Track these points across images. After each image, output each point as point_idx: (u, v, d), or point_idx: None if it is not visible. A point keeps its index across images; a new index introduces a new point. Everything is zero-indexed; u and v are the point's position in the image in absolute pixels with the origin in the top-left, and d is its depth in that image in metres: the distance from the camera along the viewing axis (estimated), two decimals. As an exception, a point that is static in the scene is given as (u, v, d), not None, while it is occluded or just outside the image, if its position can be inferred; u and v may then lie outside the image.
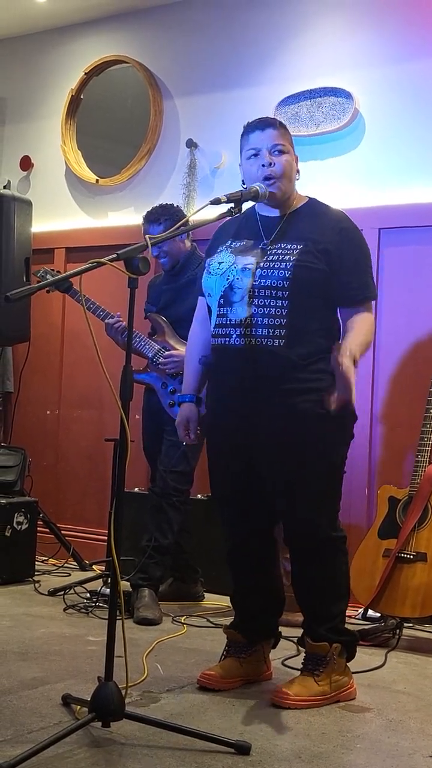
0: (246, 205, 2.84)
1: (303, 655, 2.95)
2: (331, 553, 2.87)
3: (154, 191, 4.96)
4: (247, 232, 2.90)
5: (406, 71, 4.28)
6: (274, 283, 2.74)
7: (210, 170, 4.80)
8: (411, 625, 3.73)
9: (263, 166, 2.84)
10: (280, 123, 2.93)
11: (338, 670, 2.88)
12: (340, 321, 2.88)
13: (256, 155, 2.86)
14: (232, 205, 2.76)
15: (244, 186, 2.87)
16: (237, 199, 2.77)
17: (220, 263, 2.86)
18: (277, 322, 2.74)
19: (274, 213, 2.89)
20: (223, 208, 2.76)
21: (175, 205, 4.09)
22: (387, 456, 4.19)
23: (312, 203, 2.93)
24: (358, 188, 4.35)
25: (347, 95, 4.36)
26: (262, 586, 3.00)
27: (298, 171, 2.92)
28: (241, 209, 2.79)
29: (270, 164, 2.83)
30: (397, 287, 4.20)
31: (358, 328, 2.80)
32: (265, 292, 2.75)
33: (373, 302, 2.89)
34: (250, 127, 2.90)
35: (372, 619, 3.75)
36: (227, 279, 2.81)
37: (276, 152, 2.85)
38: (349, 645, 2.92)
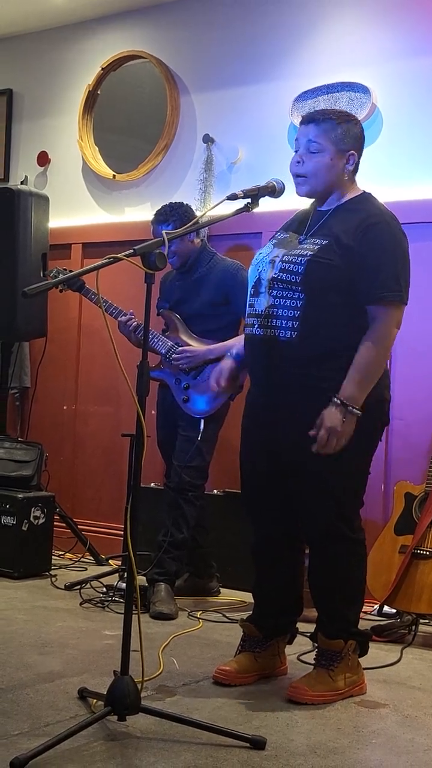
0: (264, 201, 2.85)
1: (316, 649, 2.95)
2: (348, 555, 2.86)
3: (170, 187, 4.96)
4: (297, 224, 2.93)
5: (424, 66, 4.26)
6: (289, 276, 2.76)
7: (227, 166, 4.79)
8: (427, 621, 3.72)
9: (297, 162, 2.85)
10: (325, 119, 2.82)
11: (352, 666, 2.88)
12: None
13: (296, 150, 2.88)
14: (249, 200, 2.77)
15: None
16: (254, 195, 2.78)
17: (260, 254, 2.91)
18: (292, 314, 2.75)
19: (324, 207, 2.88)
20: (240, 203, 2.76)
21: (183, 204, 4.08)
22: (403, 452, 4.18)
23: (360, 198, 2.88)
24: (375, 183, 4.29)
25: (365, 90, 4.34)
26: (284, 583, 3.00)
27: (348, 165, 2.84)
28: (258, 205, 2.80)
29: (300, 162, 2.84)
30: (415, 283, 4.15)
31: (357, 360, 2.70)
32: (282, 285, 2.77)
33: (396, 305, 2.76)
34: (301, 119, 2.91)
35: (388, 615, 3.75)
36: (258, 270, 2.86)
37: (308, 151, 2.82)
38: (362, 642, 2.93)
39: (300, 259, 2.76)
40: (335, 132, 2.82)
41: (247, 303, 2.90)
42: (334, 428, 2.67)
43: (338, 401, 2.68)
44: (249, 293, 2.89)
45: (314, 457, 2.76)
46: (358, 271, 2.74)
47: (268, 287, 2.78)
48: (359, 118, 4.28)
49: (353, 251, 2.75)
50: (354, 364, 2.71)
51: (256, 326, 2.81)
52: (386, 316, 2.75)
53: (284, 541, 2.98)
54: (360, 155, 2.89)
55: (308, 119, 2.86)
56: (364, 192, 2.91)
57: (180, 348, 3.95)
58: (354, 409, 2.68)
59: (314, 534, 2.88)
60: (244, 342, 2.93)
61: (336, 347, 2.75)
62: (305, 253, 2.76)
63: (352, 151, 2.85)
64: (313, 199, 2.93)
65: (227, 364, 3.07)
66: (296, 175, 2.84)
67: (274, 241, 2.92)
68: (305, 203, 3.01)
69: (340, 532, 2.83)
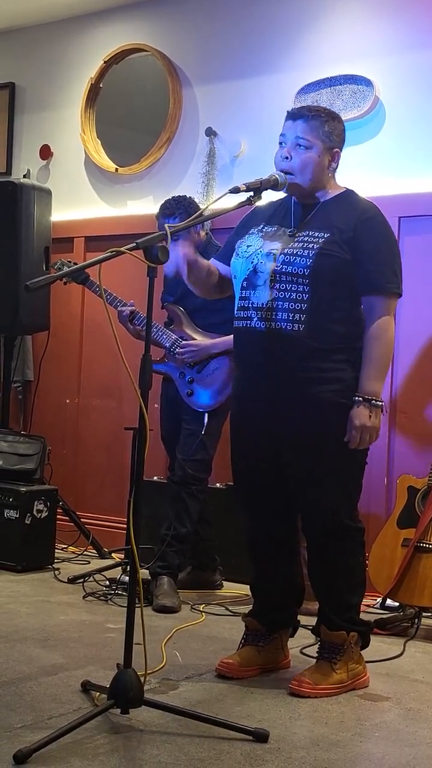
0: (266, 194, 2.84)
1: (318, 643, 2.95)
2: (348, 544, 2.86)
3: (173, 180, 4.95)
4: (280, 218, 2.91)
5: (427, 58, 4.24)
6: (295, 269, 2.75)
7: (229, 159, 4.78)
8: (430, 614, 3.72)
9: (283, 158, 2.85)
10: (314, 116, 2.85)
11: (354, 658, 2.89)
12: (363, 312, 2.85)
13: (282, 144, 2.87)
14: (252, 193, 2.76)
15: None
16: (256, 188, 2.77)
17: (248, 246, 2.88)
18: (298, 307, 2.74)
19: (309, 201, 2.88)
20: (242, 196, 2.76)
21: (188, 197, 4.07)
22: (406, 445, 4.18)
23: (346, 194, 2.91)
24: (378, 176, 4.33)
25: (368, 83, 4.33)
26: (282, 574, 3.00)
27: (332, 163, 2.87)
28: (260, 198, 2.79)
29: (287, 158, 2.84)
30: (417, 276, 4.16)
31: (369, 355, 2.77)
32: (287, 278, 2.76)
33: (394, 296, 2.82)
34: (287, 114, 2.89)
35: (390, 609, 3.75)
36: (252, 262, 2.83)
37: (297, 146, 2.83)
38: (364, 634, 2.93)
39: (307, 252, 2.75)
40: (323, 129, 2.84)
41: (238, 296, 2.88)
42: (364, 425, 2.75)
43: (361, 398, 2.76)
44: (240, 286, 2.86)
45: (319, 452, 2.77)
46: (358, 262, 2.78)
47: (271, 280, 2.77)
48: (362, 111, 4.34)
49: (353, 243, 2.77)
50: (366, 360, 2.78)
51: (255, 319, 2.80)
52: (386, 306, 2.81)
53: (285, 538, 2.99)
54: (341, 153, 2.92)
55: (297, 115, 2.86)
56: (348, 188, 2.94)
57: (184, 342, 3.95)
58: (377, 402, 2.77)
59: (316, 531, 2.88)
60: (239, 336, 2.90)
61: (340, 339, 2.78)
62: (311, 245, 2.76)
63: (336, 149, 2.89)
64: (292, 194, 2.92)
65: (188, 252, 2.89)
66: (283, 171, 2.83)
67: (261, 233, 2.89)
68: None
69: (344, 525, 2.84)
